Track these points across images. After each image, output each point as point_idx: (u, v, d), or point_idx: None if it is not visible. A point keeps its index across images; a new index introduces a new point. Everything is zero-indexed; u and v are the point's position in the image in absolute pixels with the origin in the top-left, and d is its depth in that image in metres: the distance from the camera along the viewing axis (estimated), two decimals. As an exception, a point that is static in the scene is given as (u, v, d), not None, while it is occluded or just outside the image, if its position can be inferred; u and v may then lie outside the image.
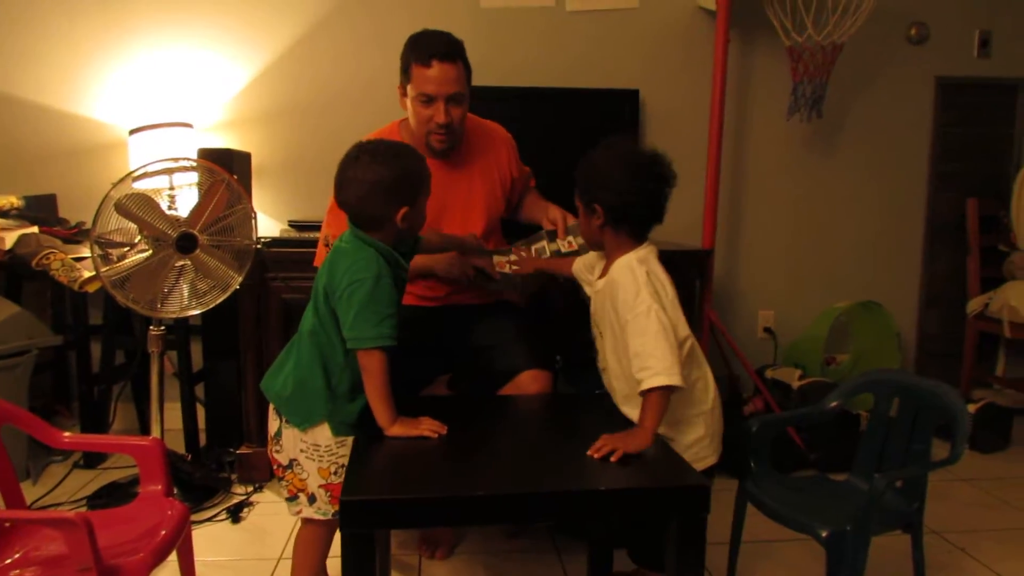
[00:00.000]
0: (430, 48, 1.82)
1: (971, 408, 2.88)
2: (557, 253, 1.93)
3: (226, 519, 2.25)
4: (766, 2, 2.84)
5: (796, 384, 2.80)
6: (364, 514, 1.17)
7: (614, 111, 2.93)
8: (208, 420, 2.70)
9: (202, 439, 2.70)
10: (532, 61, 2.98)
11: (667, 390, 1.40)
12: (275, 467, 1.55)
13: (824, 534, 1.54)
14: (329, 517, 1.52)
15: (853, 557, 1.53)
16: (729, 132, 3.10)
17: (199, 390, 2.76)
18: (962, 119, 3.33)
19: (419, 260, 1.77)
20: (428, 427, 1.42)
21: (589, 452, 1.34)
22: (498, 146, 2.08)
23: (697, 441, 1.55)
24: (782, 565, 2.01)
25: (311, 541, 1.60)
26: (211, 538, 2.14)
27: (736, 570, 1.82)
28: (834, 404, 1.87)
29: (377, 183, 1.42)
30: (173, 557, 1.48)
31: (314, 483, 1.50)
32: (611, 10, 3.03)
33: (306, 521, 1.57)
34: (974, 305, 3.19)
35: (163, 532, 1.43)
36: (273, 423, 1.53)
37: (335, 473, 1.49)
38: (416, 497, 1.19)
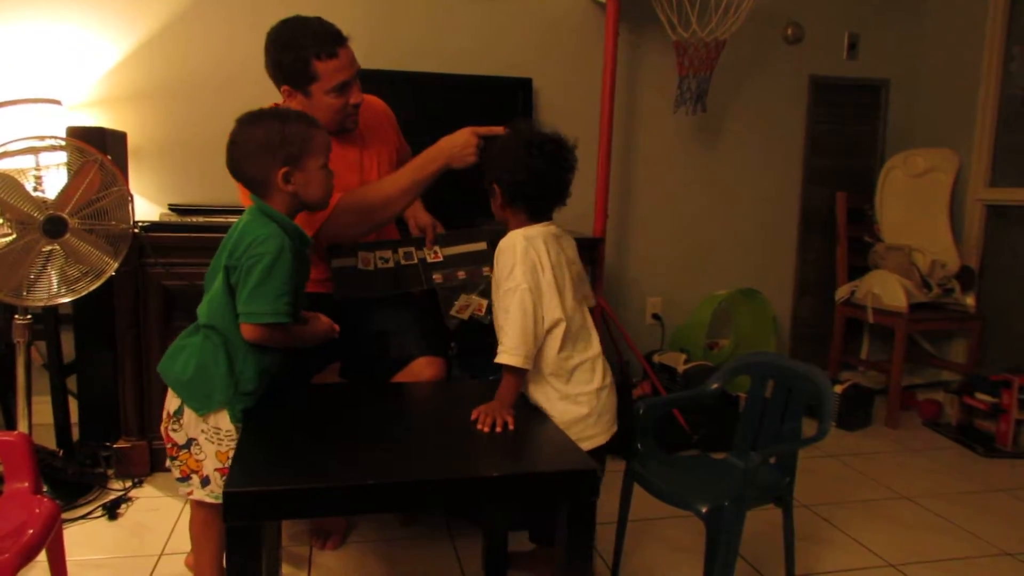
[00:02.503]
0: (327, 37, 1.77)
1: (837, 389, 3.10)
2: (423, 262, 1.96)
3: (102, 516, 2.14)
4: (655, -3, 2.94)
5: (681, 368, 2.93)
6: (248, 506, 1.14)
7: (507, 99, 2.95)
8: (82, 414, 2.55)
9: (75, 434, 2.54)
10: (424, 45, 2.95)
11: (513, 368, 1.48)
12: (168, 446, 1.50)
13: (703, 509, 1.62)
14: (220, 501, 1.48)
15: (729, 530, 1.62)
16: (619, 123, 3.19)
17: (71, 382, 2.59)
18: (833, 116, 3.55)
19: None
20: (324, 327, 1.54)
21: (478, 426, 1.40)
22: (380, 117, 2.08)
23: (580, 419, 1.59)
24: (665, 542, 2.10)
25: (207, 523, 1.56)
26: (86, 536, 2.03)
27: (623, 550, 1.88)
28: (715, 386, 1.96)
29: (250, 141, 1.43)
30: (43, 557, 1.41)
31: (210, 466, 1.47)
32: (506, -2, 3.05)
33: (197, 504, 1.54)
34: (841, 292, 3.43)
35: (30, 531, 1.36)
36: (173, 401, 1.48)
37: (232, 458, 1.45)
38: (303, 487, 1.17)
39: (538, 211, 1.61)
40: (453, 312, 2.00)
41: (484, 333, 2.80)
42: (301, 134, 1.44)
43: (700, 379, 2.76)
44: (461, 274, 1.98)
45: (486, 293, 1.95)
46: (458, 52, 2.99)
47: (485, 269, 1.97)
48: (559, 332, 1.55)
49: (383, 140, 2.05)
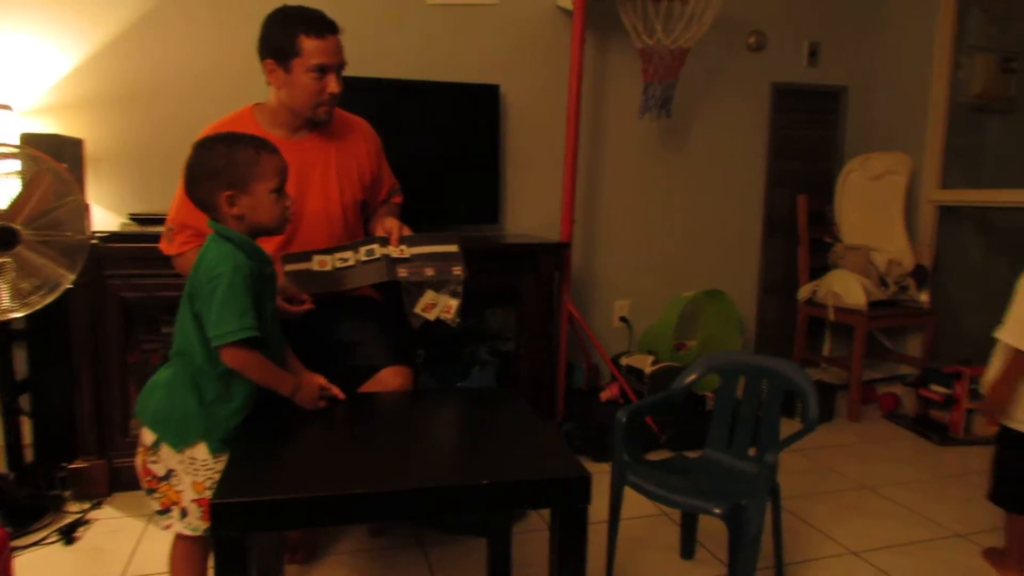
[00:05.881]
0: (318, 21, 1.84)
1: (802, 386, 3.16)
2: (388, 258, 1.88)
3: (58, 541, 2.06)
4: (620, 5, 2.95)
5: (649, 370, 2.95)
6: (232, 516, 1.13)
7: (474, 105, 2.94)
8: (36, 434, 2.46)
9: (29, 455, 2.46)
10: (391, 52, 2.93)
11: None
12: (147, 479, 1.47)
13: (719, 511, 1.63)
14: (200, 533, 1.47)
15: (753, 528, 1.64)
16: (586, 129, 3.21)
17: (24, 401, 2.50)
18: (794, 122, 3.63)
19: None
20: (320, 395, 1.55)
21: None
22: (358, 136, 2.07)
23: None
24: (641, 541, 2.12)
25: (185, 559, 1.53)
26: (41, 563, 1.96)
27: (615, 554, 1.89)
28: (691, 377, 1.97)
29: (197, 165, 1.44)
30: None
31: (188, 497, 1.44)
32: (471, 5, 3.04)
33: (179, 537, 1.51)
34: (803, 292, 3.49)
35: (-24, 563, 1.30)
36: (149, 435, 1.46)
37: (210, 488, 1.43)
38: (293, 497, 1.16)
39: None
40: (417, 310, 1.86)
41: (454, 340, 2.82)
42: (248, 158, 1.44)
43: (667, 380, 2.79)
44: (429, 271, 1.88)
45: (457, 295, 1.87)
46: (425, 58, 2.97)
47: (456, 269, 1.88)
48: None
49: (355, 159, 2.04)
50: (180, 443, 1.43)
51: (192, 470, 1.43)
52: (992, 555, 2.07)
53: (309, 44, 1.82)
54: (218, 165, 1.43)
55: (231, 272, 1.38)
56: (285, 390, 1.49)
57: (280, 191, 1.48)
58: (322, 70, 1.84)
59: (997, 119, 3.60)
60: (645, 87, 3.06)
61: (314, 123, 1.94)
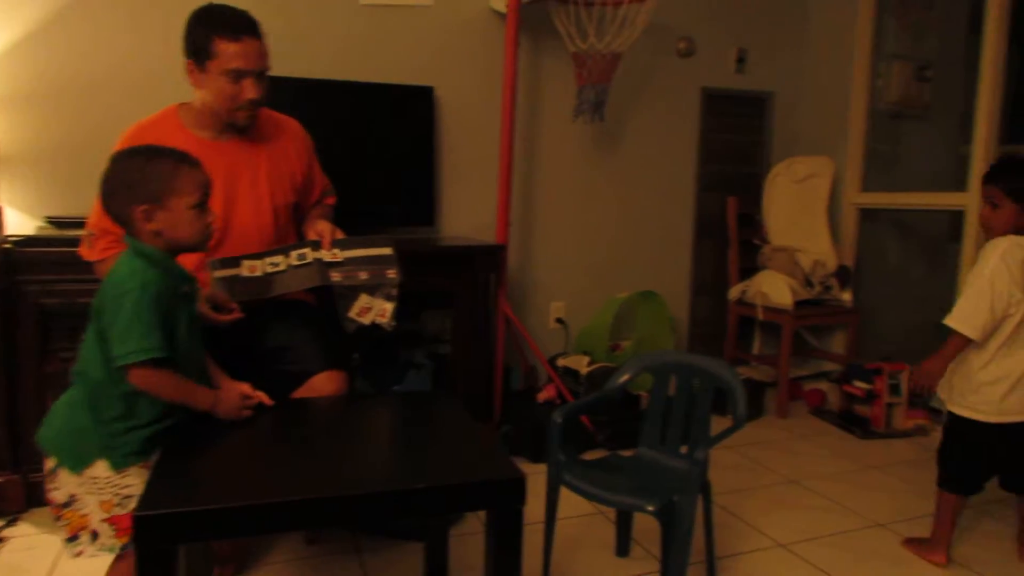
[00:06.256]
0: (237, 23, 1.77)
1: (733, 384, 3.25)
2: (320, 262, 1.85)
3: (-31, 560, 1.97)
4: (553, 9, 2.98)
5: (585, 370, 2.98)
6: (157, 529, 1.10)
7: (409, 107, 2.93)
8: (-54, 446, 2.33)
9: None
10: (324, 52, 2.88)
11: None
12: (52, 508, 1.41)
13: (652, 508, 1.67)
14: (117, 551, 1.41)
15: (685, 523, 1.69)
16: (521, 131, 3.23)
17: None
18: (723, 126, 3.73)
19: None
20: (246, 402, 1.50)
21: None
22: (289, 137, 2.03)
23: None
24: (576, 540, 2.14)
25: None
26: (-48, 583, 1.87)
27: (552, 554, 1.90)
28: (624, 377, 2.00)
29: (112, 178, 1.38)
30: None
31: (96, 518, 1.38)
32: (405, 6, 3.02)
33: (118, 558, 1.46)
34: (733, 292, 3.59)
35: None
36: (49, 460, 1.39)
37: (119, 504, 1.37)
38: (220, 507, 1.13)
39: None
40: (352, 314, 1.84)
41: (390, 344, 2.79)
42: (167, 171, 1.39)
43: (602, 380, 2.83)
44: (363, 275, 1.86)
45: (392, 298, 1.85)
46: (359, 59, 2.93)
47: (390, 272, 1.86)
48: None
49: (286, 160, 2.00)
50: (77, 464, 1.37)
51: (96, 490, 1.37)
52: (913, 544, 2.17)
53: (224, 47, 1.75)
54: (134, 178, 1.37)
55: (138, 290, 1.33)
56: (202, 405, 1.44)
57: (201, 207, 1.43)
58: (237, 74, 1.78)
59: (913, 125, 3.79)
60: (579, 91, 3.10)
61: (235, 128, 1.87)
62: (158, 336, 1.34)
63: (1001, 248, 1.94)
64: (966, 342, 1.97)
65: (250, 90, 1.80)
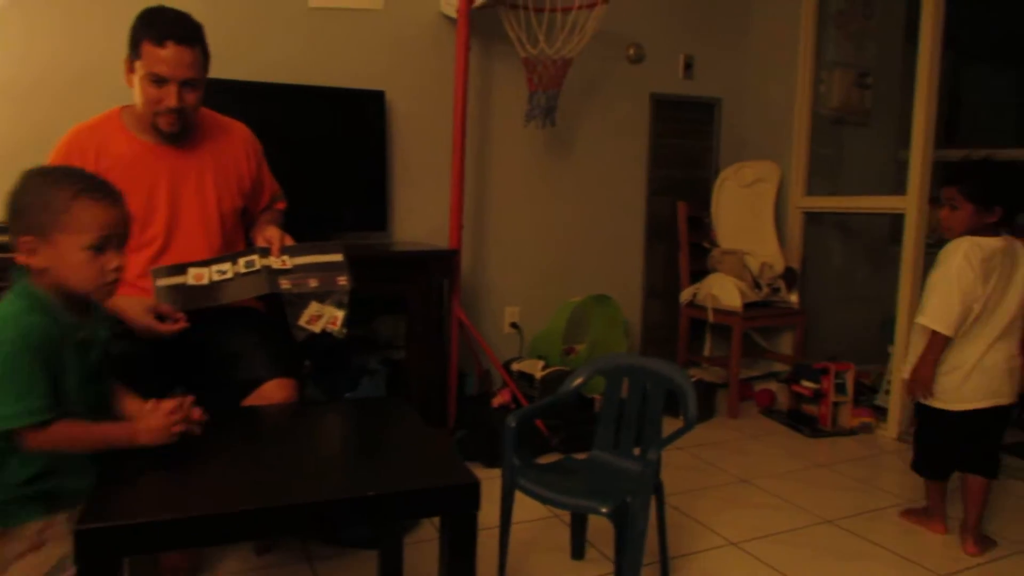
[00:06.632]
0: (166, 28, 1.72)
1: (685, 385, 3.30)
2: (269, 269, 1.81)
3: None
4: (503, 14, 2.99)
5: (539, 374, 2.99)
6: (100, 544, 1.06)
7: (360, 111, 2.90)
8: None
9: None
10: (273, 55, 2.84)
11: None
12: None
13: (605, 509, 1.67)
14: None
15: (638, 525, 1.70)
16: (473, 136, 3.23)
17: None
18: (672, 131, 3.78)
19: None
20: (172, 421, 1.29)
21: None
22: (235, 141, 1.99)
23: None
24: (532, 544, 2.14)
25: None
26: None
27: (507, 558, 1.90)
28: (577, 381, 2.01)
29: (11, 198, 1.23)
30: None
31: None
32: (355, 10, 2.99)
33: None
34: (685, 295, 3.65)
35: None
36: None
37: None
38: (163, 519, 1.10)
39: None
40: (302, 322, 1.79)
41: (342, 350, 2.76)
42: (61, 201, 1.20)
43: (556, 384, 2.82)
44: (313, 282, 1.81)
45: (343, 305, 1.82)
46: (309, 63, 2.90)
47: (341, 279, 1.83)
48: None
49: (234, 164, 1.96)
50: None
51: None
52: (914, 514, 2.32)
53: (149, 50, 1.71)
54: (27, 202, 1.21)
55: (10, 342, 1.16)
56: (120, 443, 1.27)
57: (98, 249, 1.23)
58: (158, 80, 1.72)
59: (854, 130, 3.91)
60: (530, 96, 3.12)
61: (161, 133, 1.80)
62: (37, 395, 1.17)
63: (963, 248, 2.04)
64: (945, 340, 2.06)
65: (171, 98, 1.74)
